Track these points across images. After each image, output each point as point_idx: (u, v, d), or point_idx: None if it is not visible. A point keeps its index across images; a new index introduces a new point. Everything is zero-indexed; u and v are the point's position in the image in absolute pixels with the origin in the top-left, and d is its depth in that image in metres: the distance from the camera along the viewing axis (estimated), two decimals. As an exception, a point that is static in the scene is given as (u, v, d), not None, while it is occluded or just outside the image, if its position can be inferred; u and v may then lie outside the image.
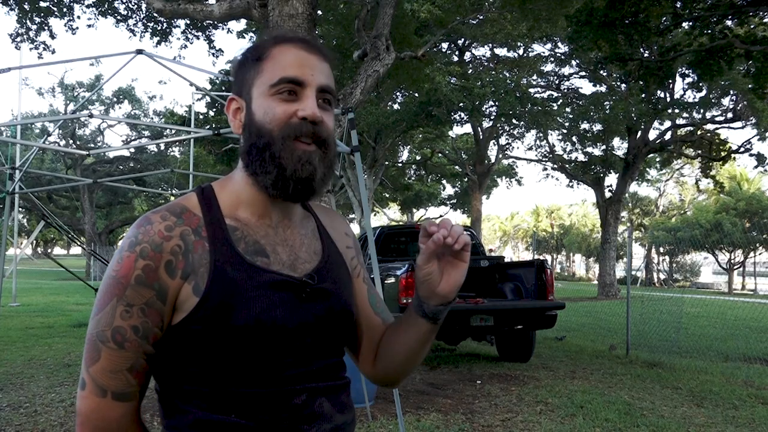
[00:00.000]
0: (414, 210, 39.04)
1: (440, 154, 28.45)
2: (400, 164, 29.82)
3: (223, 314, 0.87)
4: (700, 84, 17.17)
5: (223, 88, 14.39)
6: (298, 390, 0.91)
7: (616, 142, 23.48)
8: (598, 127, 21.81)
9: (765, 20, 10.46)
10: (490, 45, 19.92)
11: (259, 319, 0.88)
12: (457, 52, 20.75)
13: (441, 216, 37.70)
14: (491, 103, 18.96)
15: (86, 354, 0.87)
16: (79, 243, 12.98)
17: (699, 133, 21.48)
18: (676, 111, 19.50)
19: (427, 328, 0.98)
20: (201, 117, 17.62)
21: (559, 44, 19.64)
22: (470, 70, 20.33)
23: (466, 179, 27.14)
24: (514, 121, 21.15)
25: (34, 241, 45.10)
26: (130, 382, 0.87)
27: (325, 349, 0.97)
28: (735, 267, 35.35)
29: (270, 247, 0.95)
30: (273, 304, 0.90)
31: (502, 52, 20.93)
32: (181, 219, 0.90)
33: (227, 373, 0.88)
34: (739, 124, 20.19)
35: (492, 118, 21.36)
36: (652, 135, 21.75)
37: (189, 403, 0.90)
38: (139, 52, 5.04)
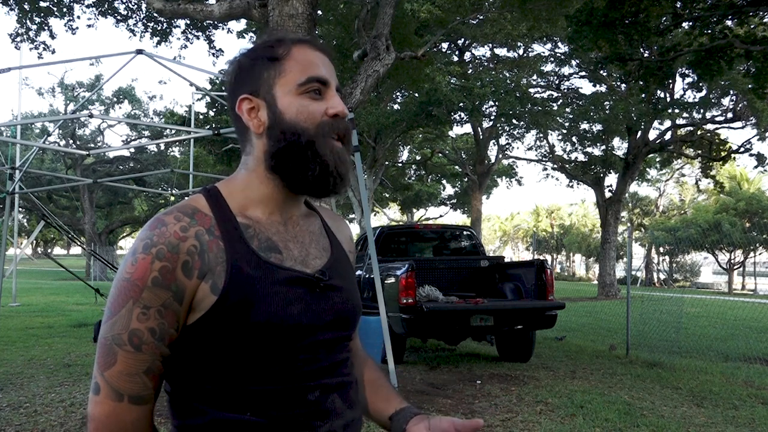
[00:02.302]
0: (414, 210, 39.04)
1: (440, 154, 28.45)
2: (400, 164, 29.82)
3: (242, 312, 0.87)
4: (700, 84, 17.18)
5: (223, 88, 14.35)
6: (312, 386, 0.92)
7: (616, 142, 23.53)
8: (598, 127, 21.81)
9: (765, 20, 10.45)
10: (490, 45, 19.93)
11: (277, 315, 0.88)
12: (457, 52, 20.76)
13: (441, 216, 37.74)
14: (491, 103, 18.97)
15: (100, 358, 0.86)
16: (79, 243, 12.98)
17: (699, 133, 21.47)
18: (676, 111, 19.49)
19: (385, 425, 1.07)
20: (201, 117, 17.63)
21: (559, 44, 19.63)
22: (470, 70, 20.33)
23: (466, 179, 27.14)
24: (514, 121, 21.16)
25: (34, 241, 45.10)
26: (146, 385, 0.86)
27: (334, 345, 0.97)
28: (735, 267, 35.35)
29: (282, 243, 0.95)
30: (289, 301, 0.90)
31: (502, 52, 20.96)
32: (194, 219, 0.90)
33: (243, 371, 0.89)
34: (739, 124, 20.19)
35: (492, 118, 21.37)
36: (652, 135, 21.79)
37: (204, 403, 0.90)
38: (139, 52, 5.05)
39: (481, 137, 23.60)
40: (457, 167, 28.68)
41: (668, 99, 19.41)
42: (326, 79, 0.95)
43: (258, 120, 0.96)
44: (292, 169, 0.94)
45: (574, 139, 23.23)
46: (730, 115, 20.18)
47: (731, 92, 18.97)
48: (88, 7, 10.74)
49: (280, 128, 0.94)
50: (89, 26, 30.37)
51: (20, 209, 26.15)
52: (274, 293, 0.89)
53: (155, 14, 9.94)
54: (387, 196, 34.35)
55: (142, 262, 0.86)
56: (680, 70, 15.47)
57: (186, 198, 0.98)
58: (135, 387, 0.85)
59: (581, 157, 23.81)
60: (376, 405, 1.09)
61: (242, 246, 0.91)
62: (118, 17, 11.05)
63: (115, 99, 30.33)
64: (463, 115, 18.94)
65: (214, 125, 15.99)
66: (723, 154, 21.55)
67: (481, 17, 15.51)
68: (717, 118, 20.68)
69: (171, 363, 0.90)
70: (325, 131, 0.94)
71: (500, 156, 25.80)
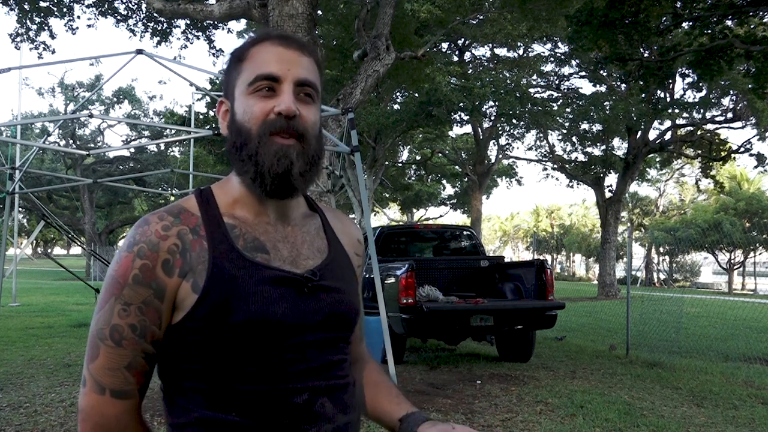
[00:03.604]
0: (414, 210, 39.03)
1: (440, 154, 28.45)
2: (400, 164, 29.81)
3: (222, 310, 0.87)
4: (700, 84, 17.17)
5: (223, 89, 14.36)
6: (300, 389, 0.91)
7: (616, 142, 23.51)
8: (598, 127, 21.81)
9: (765, 20, 10.45)
10: (490, 45, 19.92)
11: (258, 314, 0.88)
12: (457, 52, 20.75)
13: (441, 216, 37.74)
14: (491, 103, 18.97)
15: (87, 351, 0.89)
16: (79, 243, 12.96)
17: (699, 133, 21.47)
18: (676, 111, 19.48)
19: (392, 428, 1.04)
20: (201, 117, 17.64)
21: (559, 44, 19.63)
22: (470, 70, 20.33)
23: (466, 179, 27.14)
24: (514, 121, 21.16)
25: (34, 241, 45.10)
26: (128, 380, 0.88)
27: (326, 346, 0.96)
28: (735, 267, 35.35)
29: (270, 243, 0.95)
30: (273, 300, 0.90)
31: (502, 52, 20.96)
32: (179, 219, 0.92)
33: (228, 371, 0.89)
34: (739, 124, 20.19)
35: (492, 118, 21.37)
36: (652, 135, 21.79)
37: (191, 402, 0.90)
38: (139, 52, 5.05)
39: (481, 137, 23.60)
40: (457, 167, 28.68)
41: (668, 99, 19.41)
42: (276, 76, 0.92)
43: (226, 122, 0.98)
44: (239, 170, 0.94)
45: (574, 139, 23.23)
46: (730, 115, 20.18)
47: (731, 92, 18.97)
48: (88, 7, 10.74)
49: (231, 129, 0.95)
50: (89, 26, 30.37)
51: (20, 209, 26.15)
52: (257, 292, 0.89)
53: (155, 14, 9.94)
54: (387, 196, 34.33)
55: (125, 259, 0.88)
56: (680, 70, 15.45)
57: (180, 197, 0.99)
58: (116, 381, 0.87)
59: (581, 157, 23.82)
60: (384, 407, 1.07)
61: (226, 245, 0.91)
62: (118, 17, 11.05)
63: (115, 99, 30.32)
64: (463, 115, 18.94)
65: (214, 125, 15.98)
66: (723, 154, 21.55)
67: (481, 17, 15.51)
68: (717, 118, 20.69)
69: (160, 361, 0.92)
70: (264, 130, 0.91)
71: (500, 156, 25.80)
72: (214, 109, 17.66)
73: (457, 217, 43.51)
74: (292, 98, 0.92)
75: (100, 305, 0.89)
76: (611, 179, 23.39)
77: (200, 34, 11.48)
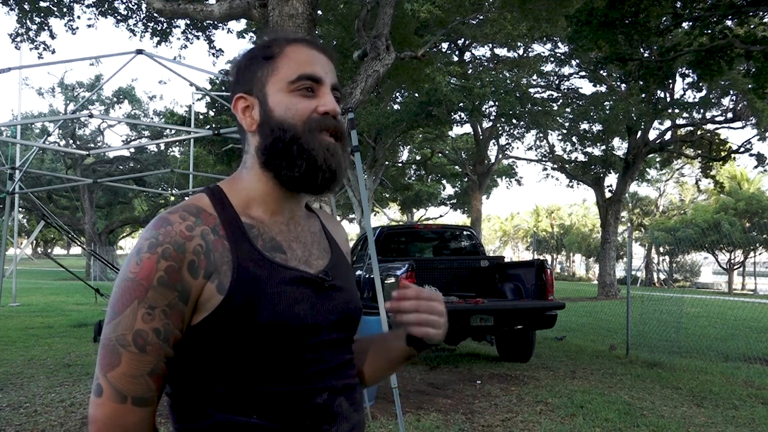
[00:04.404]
0: (414, 210, 39.04)
1: (440, 154, 28.46)
2: (400, 164, 29.83)
3: (247, 311, 0.86)
4: (700, 84, 17.17)
5: (223, 88, 14.39)
6: (320, 389, 0.91)
7: (616, 142, 23.51)
8: (598, 127, 21.81)
9: (765, 20, 10.45)
10: (490, 45, 19.92)
11: (283, 315, 0.88)
12: (457, 52, 20.75)
13: (441, 216, 37.74)
14: (491, 103, 18.97)
15: (103, 359, 0.84)
16: (79, 243, 12.96)
17: (699, 133, 21.47)
18: (676, 111, 19.49)
19: (407, 353, 1.08)
20: (201, 117, 17.64)
21: (559, 44, 19.63)
22: (470, 70, 20.32)
23: (466, 179, 27.15)
24: (514, 121, 21.16)
25: (34, 241, 45.09)
26: (150, 387, 0.85)
27: (339, 346, 0.97)
28: (735, 267, 35.35)
29: (286, 243, 0.95)
30: (295, 300, 0.90)
31: (502, 52, 20.95)
32: (200, 219, 0.90)
33: (249, 372, 0.88)
34: (739, 124, 20.18)
35: (492, 118, 21.37)
36: (652, 135, 21.78)
37: (208, 406, 0.88)
38: (139, 52, 5.05)
39: (481, 137, 23.60)
40: (457, 167, 28.69)
41: (668, 99, 19.40)
42: (319, 77, 0.95)
43: (251, 118, 0.97)
44: (280, 165, 0.94)
45: (574, 139, 23.23)
46: (730, 115, 20.17)
47: (731, 92, 18.96)
48: (88, 7, 10.73)
49: (270, 125, 0.94)
50: (89, 26, 30.32)
51: (20, 209, 26.15)
52: (280, 293, 0.89)
53: (155, 14, 9.93)
54: (387, 196, 34.36)
55: (148, 261, 0.85)
56: (680, 70, 15.45)
57: (188, 197, 0.98)
58: (139, 388, 0.84)
59: (581, 157, 23.82)
60: (371, 366, 1.11)
61: (247, 246, 0.90)
62: (118, 17, 11.05)
63: (115, 99, 30.33)
64: (463, 115, 18.94)
65: (214, 125, 15.99)
66: (723, 154, 21.54)
67: (481, 17, 15.50)
68: (717, 118, 20.68)
69: (174, 364, 0.89)
70: (313, 127, 0.93)
71: (500, 156, 25.80)
72: (214, 109, 17.68)
73: (457, 217, 43.55)
74: (334, 99, 0.96)
75: (119, 310, 0.84)
76: (611, 179, 23.43)
77: (200, 34, 11.47)
